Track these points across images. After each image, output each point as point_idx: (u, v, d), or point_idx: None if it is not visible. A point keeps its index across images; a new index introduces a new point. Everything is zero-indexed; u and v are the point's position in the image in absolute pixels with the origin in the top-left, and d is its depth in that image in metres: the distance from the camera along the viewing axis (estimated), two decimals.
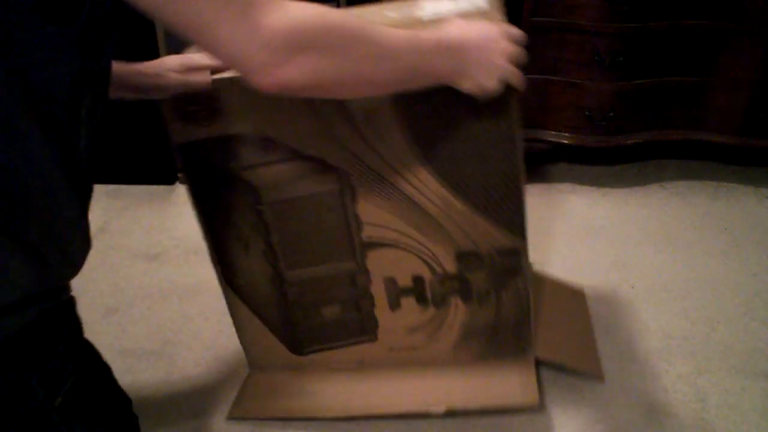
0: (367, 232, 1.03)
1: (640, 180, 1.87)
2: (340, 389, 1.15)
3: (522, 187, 0.97)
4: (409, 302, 1.10)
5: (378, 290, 1.09)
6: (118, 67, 0.86)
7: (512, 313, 1.10)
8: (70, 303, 0.72)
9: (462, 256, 1.05)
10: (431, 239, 1.03)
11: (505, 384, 1.12)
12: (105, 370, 0.78)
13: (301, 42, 0.62)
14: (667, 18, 1.58)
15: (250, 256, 1.07)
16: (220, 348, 1.28)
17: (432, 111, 0.92)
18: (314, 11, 0.63)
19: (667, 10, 1.57)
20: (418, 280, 1.08)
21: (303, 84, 0.64)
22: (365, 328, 1.13)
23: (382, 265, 1.06)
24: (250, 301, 1.12)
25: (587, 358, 1.23)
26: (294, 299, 1.10)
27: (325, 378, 1.17)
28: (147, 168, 1.84)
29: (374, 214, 1.01)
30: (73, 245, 0.66)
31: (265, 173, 0.98)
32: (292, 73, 0.62)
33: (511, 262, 1.05)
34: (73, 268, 0.68)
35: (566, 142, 1.76)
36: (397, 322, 1.12)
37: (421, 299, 1.10)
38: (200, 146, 0.98)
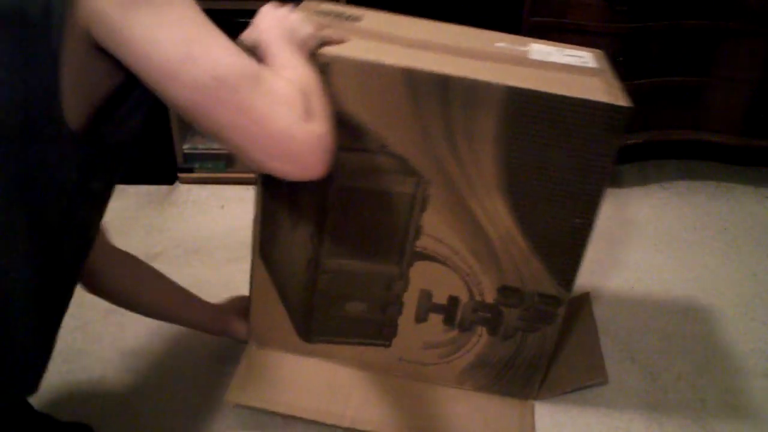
0: (423, 243, 1.02)
1: (640, 180, 1.87)
2: (340, 391, 1.14)
3: (587, 244, 0.98)
4: (435, 319, 1.09)
5: (410, 300, 1.08)
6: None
7: (530, 357, 1.10)
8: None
9: (504, 290, 1.04)
10: (482, 266, 1.02)
11: (504, 426, 1.11)
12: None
13: (308, 98, 0.65)
14: (666, 18, 1.58)
15: (296, 234, 1.04)
16: (220, 348, 1.28)
17: (532, 147, 0.91)
18: (296, 77, 0.68)
19: (667, 10, 1.57)
20: (453, 301, 1.06)
21: (333, 133, 0.66)
22: (383, 333, 1.12)
23: (423, 278, 1.05)
24: (276, 276, 1.09)
25: (593, 368, 1.22)
26: (323, 287, 1.08)
27: (326, 371, 1.15)
28: (147, 168, 1.84)
29: (437, 228, 1.00)
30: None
31: (347, 158, 0.95)
32: (327, 131, 0.64)
33: (549, 309, 1.05)
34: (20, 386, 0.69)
35: None
36: (417, 335, 1.11)
37: (449, 320, 1.09)
38: None
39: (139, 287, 1.03)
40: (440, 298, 1.07)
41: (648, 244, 1.60)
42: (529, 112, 0.88)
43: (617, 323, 1.34)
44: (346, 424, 1.09)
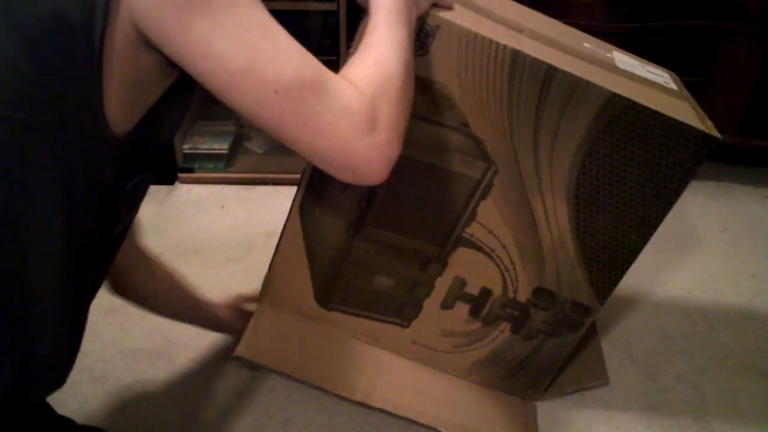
0: (472, 230, 0.99)
1: None
2: (352, 363, 1.10)
3: (633, 261, 0.99)
4: (462, 308, 1.07)
5: (442, 285, 1.05)
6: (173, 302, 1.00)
7: (544, 360, 1.09)
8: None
9: (540, 291, 1.03)
10: (525, 264, 1.01)
11: (509, 423, 1.11)
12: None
13: (382, 102, 0.62)
14: (666, 18, 1.58)
15: (345, 195, 0.99)
16: (220, 348, 1.28)
17: (613, 158, 0.90)
18: (361, 69, 0.64)
19: (667, 10, 1.57)
20: (485, 293, 1.05)
21: (400, 138, 0.64)
22: (404, 313, 1.09)
23: (462, 265, 1.02)
24: (310, 235, 1.05)
25: (594, 369, 1.21)
26: (357, 255, 1.04)
27: (339, 341, 1.12)
28: None
29: (491, 218, 0.98)
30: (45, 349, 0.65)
31: (420, 127, 0.91)
32: (390, 139, 0.62)
33: (577, 317, 1.04)
34: (47, 382, 0.67)
35: None
36: (438, 321, 1.08)
37: (476, 311, 1.07)
38: None
39: (158, 293, 1.02)
40: (473, 288, 1.05)
41: (648, 244, 1.60)
42: (623, 123, 0.86)
43: (617, 323, 1.34)
44: (356, 397, 1.06)
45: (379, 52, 0.66)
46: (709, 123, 0.90)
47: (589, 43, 1.01)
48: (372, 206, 0.99)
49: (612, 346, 1.28)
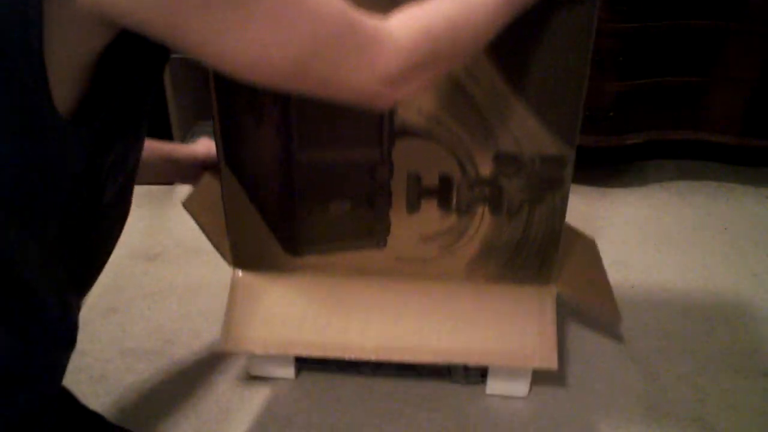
0: (401, 118, 0.92)
1: (640, 180, 1.87)
2: (338, 313, 1.04)
3: (584, 88, 0.90)
4: (430, 206, 0.99)
5: (398, 187, 0.99)
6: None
7: (540, 233, 1.00)
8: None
9: (501, 159, 0.95)
10: (471, 134, 0.93)
11: (520, 320, 1.03)
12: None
13: (417, 67, 0.61)
14: (667, 18, 1.58)
15: (262, 130, 0.95)
16: (220, 348, 1.28)
17: None
18: (419, 26, 0.61)
19: (667, 10, 1.57)
20: (445, 181, 0.97)
21: (417, 90, 0.64)
22: (375, 231, 1.02)
23: (408, 158, 0.96)
24: (250, 186, 1.00)
25: (605, 300, 1.15)
26: (301, 186, 0.99)
27: (320, 289, 1.06)
28: None
29: (414, 97, 0.91)
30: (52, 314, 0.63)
31: None
32: (409, 90, 0.62)
33: (553, 172, 0.95)
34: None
35: None
36: (412, 227, 1.02)
37: (444, 204, 0.99)
38: None
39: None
40: (430, 179, 0.98)
41: (648, 244, 1.60)
42: None
43: (617, 323, 1.34)
44: (353, 355, 1.02)
45: (455, 11, 0.64)
46: None
47: None
48: (291, 132, 0.95)
49: (612, 346, 1.28)
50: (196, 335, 1.31)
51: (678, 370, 1.22)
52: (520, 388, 1.16)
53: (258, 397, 1.17)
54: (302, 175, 0.98)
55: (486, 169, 0.97)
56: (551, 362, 1.04)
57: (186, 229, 1.64)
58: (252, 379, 1.20)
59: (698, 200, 1.78)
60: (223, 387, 1.19)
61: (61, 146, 0.55)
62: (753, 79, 1.64)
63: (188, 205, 1.05)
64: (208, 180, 1.05)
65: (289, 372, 1.19)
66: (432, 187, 0.98)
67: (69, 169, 0.57)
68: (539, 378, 1.18)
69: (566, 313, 1.36)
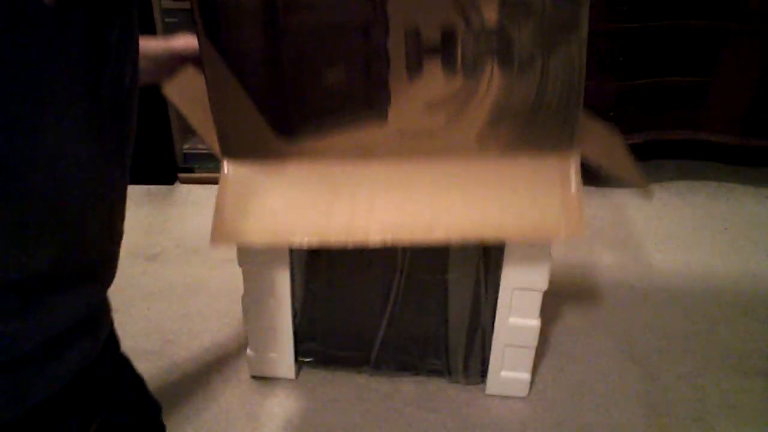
0: None
1: None
2: (341, 196, 0.95)
3: None
4: (432, 67, 0.88)
5: (396, 48, 0.87)
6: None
7: (558, 89, 0.88)
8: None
9: (507, 2, 0.84)
10: None
11: (541, 192, 0.93)
12: (138, 383, 0.76)
13: None
14: (667, 18, 1.58)
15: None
16: (220, 348, 1.28)
17: None
18: None
19: (667, 10, 1.58)
20: (448, 36, 0.87)
21: None
22: (374, 102, 0.92)
23: (405, 12, 0.85)
24: (234, 60, 0.89)
25: (630, 167, 1.05)
26: (290, 56, 0.88)
27: (318, 174, 0.96)
28: (147, 168, 1.84)
29: None
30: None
31: None
32: None
33: (566, 13, 0.84)
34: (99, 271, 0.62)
35: None
36: (415, 95, 0.91)
37: (449, 62, 0.88)
38: None
39: None
40: (432, 34, 0.87)
41: (648, 244, 1.60)
42: None
43: (617, 323, 1.34)
44: (357, 238, 0.93)
45: None
46: None
47: None
48: None
49: (612, 346, 1.28)
50: (196, 335, 1.31)
51: (678, 370, 1.22)
52: (520, 387, 1.16)
53: (258, 397, 1.17)
54: (291, 43, 0.88)
55: (492, 15, 0.85)
56: (579, 230, 0.92)
57: (186, 229, 1.64)
58: (252, 379, 1.20)
59: (698, 200, 1.78)
60: (223, 387, 1.19)
61: (51, 31, 0.52)
62: (753, 79, 1.64)
63: (169, 92, 0.93)
64: (191, 71, 0.93)
65: (289, 372, 1.19)
66: (434, 43, 0.87)
67: (72, 53, 0.54)
68: (539, 378, 1.18)
69: (566, 312, 1.36)
